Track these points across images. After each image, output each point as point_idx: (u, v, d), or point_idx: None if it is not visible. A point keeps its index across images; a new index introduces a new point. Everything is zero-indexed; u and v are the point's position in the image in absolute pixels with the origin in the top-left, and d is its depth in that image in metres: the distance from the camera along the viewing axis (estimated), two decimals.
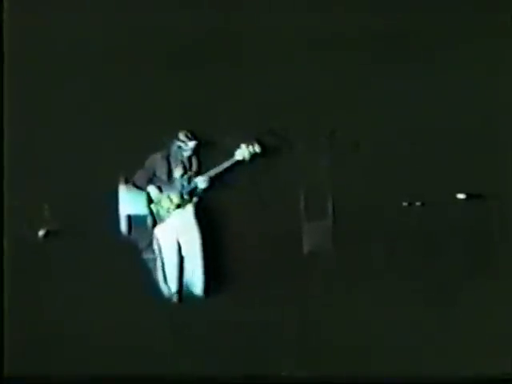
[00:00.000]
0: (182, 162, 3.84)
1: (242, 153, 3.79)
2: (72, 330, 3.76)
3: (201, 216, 3.82)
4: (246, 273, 3.78)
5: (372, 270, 3.76)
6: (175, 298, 3.78)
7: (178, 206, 3.83)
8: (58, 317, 3.77)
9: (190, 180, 3.83)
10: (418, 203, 3.77)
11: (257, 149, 3.79)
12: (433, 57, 3.84)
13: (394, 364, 3.67)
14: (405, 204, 3.78)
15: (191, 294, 3.78)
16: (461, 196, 3.76)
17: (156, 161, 3.83)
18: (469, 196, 3.75)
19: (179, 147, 3.83)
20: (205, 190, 3.82)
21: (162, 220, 3.83)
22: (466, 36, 3.85)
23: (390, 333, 3.72)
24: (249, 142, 3.80)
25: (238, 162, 3.80)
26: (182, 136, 3.82)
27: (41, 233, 3.78)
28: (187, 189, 3.83)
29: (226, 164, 3.80)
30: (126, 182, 3.82)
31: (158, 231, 3.83)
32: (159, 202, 3.83)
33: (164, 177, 3.84)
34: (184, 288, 3.79)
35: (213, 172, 3.81)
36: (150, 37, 3.88)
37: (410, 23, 3.86)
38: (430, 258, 3.76)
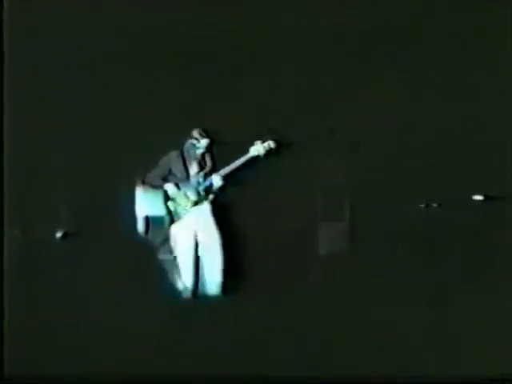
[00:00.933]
0: (197, 160, 3.85)
1: (257, 149, 3.79)
2: (82, 330, 3.80)
3: (218, 214, 3.83)
4: (260, 273, 3.80)
5: (388, 270, 3.77)
6: (191, 296, 3.79)
7: (196, 203, 3.84)
8: (66, 317, 3.81)
9: (205, 177, 3.84)
10: (434, 204, 3.77)
11: (272, 145, 3.79)
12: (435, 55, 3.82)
13: (394, 364, 3.71)
14: (422, 205, 3.77)
15: (208, 293, 3.80)
16: (478, 197, 3.75)
17: (171, 159, 3.84)
18: (486, 197, 3.75)
19: (193, 145, 3.83)
20: (221, 188, 3.83)
21: (179, 218, 3.84)
22: (466, 35, 3.82)
23: (403, 333, 3.76)
24: (263, 139, 3.79)
25: (253, 158, 3.80)
26: (195, 134, 3.82)
27: (58, 234, 3.79)
28: (203, 186, 3.84)
29: (241, 160, 3.80)
30: (143, 182, 3.83)
31: (175, 229, 3.84)
32: (176, 199, 3.85)
33: (180, 174, 3.86)
34: (200, 286, 3.80)
35: (228, 169, 3.81)
36: (159, 35, 3.85)
37: (410, 22, 3.82)
38: (447, 259, 3.76)
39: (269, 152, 3.80)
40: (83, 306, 3.78)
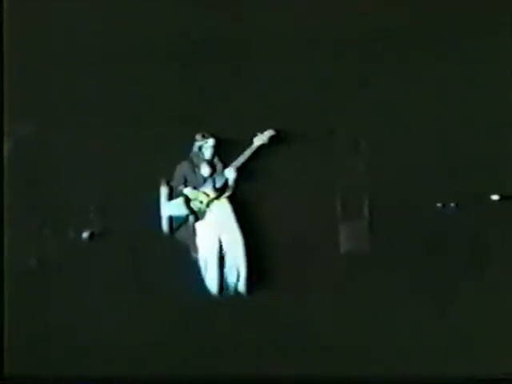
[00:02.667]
0: (207, 162, 3.93)
1: (260, 138, 3.89)
2: (94, 331, 3.89)
3: (239, 213, 3.91)
4: (281, 272, 3.89)
5: (407, 269, 3.85)
6: (216, 295, 3.89)
7: (216, 198, 3.93)
8: (77, 318, 3.90)
9: (219, 175, 3.92)
10: (452, 204, 3.84)
11: (271, 132, 3.88)
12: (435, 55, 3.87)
13: (394, 364, 3.79)
14: (439, 205, 3.84)
15: (232, 291, 3.91)
16: (494, 197, 3.82)
17: (183, 168, 3.96)
18: (502, 197, 3.81)
19: (200, 147, 3.91)
20: (240, 185, 3.91)
21: (203, 216, 3.94)
22: (466, 35, 3.86)
23: (417, 332, 3.85)
24: (262, 131, 3.91)
25: (259, 148, 3.89)
26: (198, 137, 3.90)
27: (85, 234, 3.89)
28: (219, 183, 3.93)
29: (249, 151, 3.89)
30: (168, 183, 3.93)
31: (199, 228, 3.94)
32: (197, 198, 3.94)
33: (194, 180, 3.95)
34: (225, 285, 3.90)
35: (238, 162, 3.90)
36: (158, 37, 3.92)
37: (410, 23, 3.87)
38: (465, 258, 3.84)
39: (272, 139, 3.88)
40: (100, 307, 3.88)
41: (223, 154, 3.94)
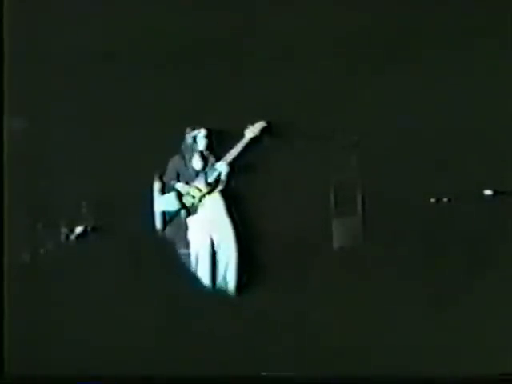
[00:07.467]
0: (199, 155, 3.93)
1: (252, 130, 3.88)
2: (89, 329, 3.88)
3: (231, 209, 3.91)
4: (273, 267, 3.88)
5: (400, 265, 3.84)
6: (209, 291, 3.88)
7: (209, 193, 3.93)
8: (73, 316, 3.90)
9: (211, 169, 3.92)
10: (445, 199, 3.83)
11: (263, 124, 3.87)
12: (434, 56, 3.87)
13: (394, 364, 3.78)
14: (432, 200, 3.84)
15: (224, 287, 3.90)
16: (488, 192, 3.81)
17: (175, 163, 3.95)
18: (496, 192, 3.81)
19: (194, 138, 3.91)
20: (232, 181, 3.91)
21: (195, 211, 3.94)
22: (465, 35, 3.84)
23: (411, 330, 3.84)
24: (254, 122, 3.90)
25: (252, 140, 3.88)
26: (188, 130, 3.90)
27: (78, 230, 3.89)
28: (212, 177, 3.93)
29: (241, 144, 3.89)
30: (161, 179, 3.93)
31: (191, 224, 3.94)
32: (190, 193, 3.94)
33: (187, 174, 3.95)
34: (217, 281, 3.90)
35: (231, 155, 3.89)
36: (151, 37, 3.93)
37: (410, 23, 3.85)
38: (458, 254, 3.83)
39: (263, 131, 3.87)
40: (93, 304, 3.88)
41: (215, 146, 3.93)
